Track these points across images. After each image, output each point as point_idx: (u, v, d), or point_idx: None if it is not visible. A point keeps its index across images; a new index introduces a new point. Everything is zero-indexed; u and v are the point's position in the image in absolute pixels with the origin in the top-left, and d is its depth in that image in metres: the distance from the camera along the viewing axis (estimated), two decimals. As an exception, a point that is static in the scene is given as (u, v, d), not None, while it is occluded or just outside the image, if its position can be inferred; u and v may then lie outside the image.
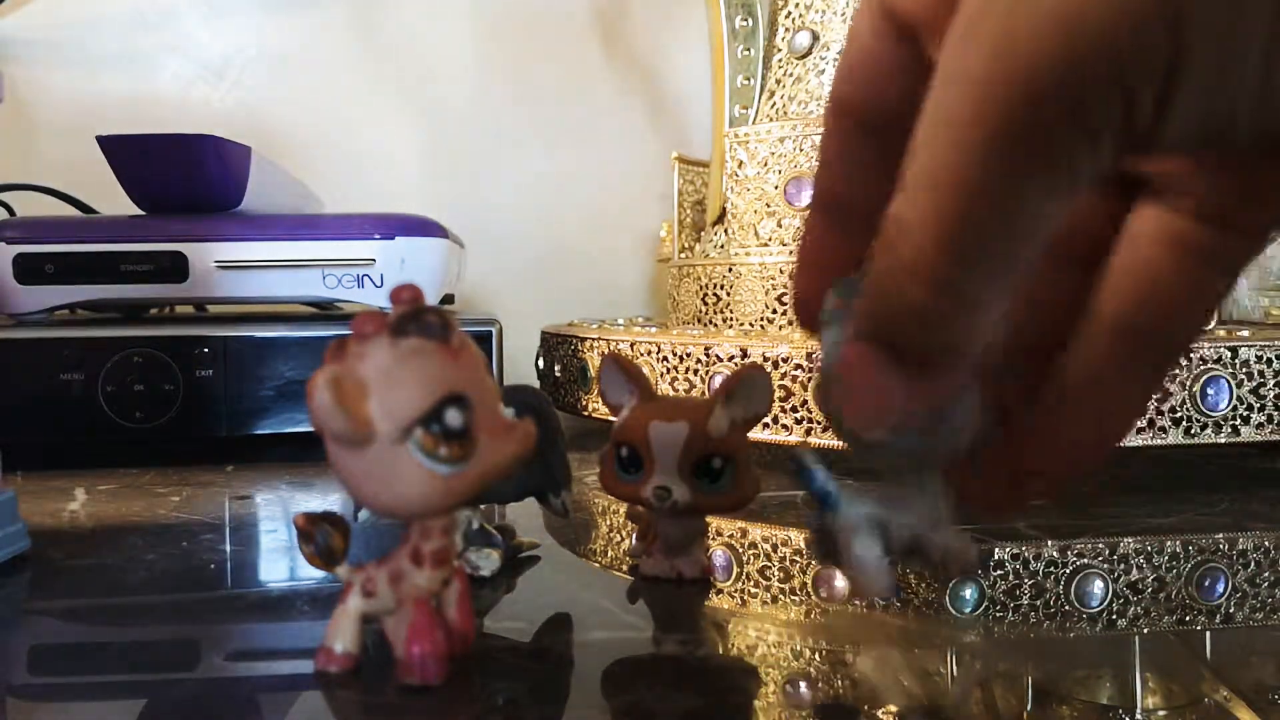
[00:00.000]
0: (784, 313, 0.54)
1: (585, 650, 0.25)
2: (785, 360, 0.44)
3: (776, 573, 0.31)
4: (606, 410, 0.34)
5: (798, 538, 0.35)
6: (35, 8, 0.75)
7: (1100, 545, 0.34)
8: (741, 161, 0.57)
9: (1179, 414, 0.42)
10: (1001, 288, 0.17)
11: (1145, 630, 0.26)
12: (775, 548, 0.34)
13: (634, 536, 0.32)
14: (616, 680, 0.23)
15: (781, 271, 0.54)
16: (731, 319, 0.56)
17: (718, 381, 0.44)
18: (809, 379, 0.43)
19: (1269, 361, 0.43)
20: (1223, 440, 0.42)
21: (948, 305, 0.17)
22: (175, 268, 0.51)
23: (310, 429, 0.21)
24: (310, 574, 0.30)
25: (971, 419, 0.20)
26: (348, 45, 0.79)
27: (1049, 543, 0.34)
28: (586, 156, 0.82)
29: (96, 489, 0.43)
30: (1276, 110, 0.16)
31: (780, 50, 0.59)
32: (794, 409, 0.43)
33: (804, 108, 0.57)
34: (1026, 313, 0.21)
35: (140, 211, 0.55)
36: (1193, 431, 0.42)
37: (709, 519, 0.32)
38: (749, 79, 0.61)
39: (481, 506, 0.31)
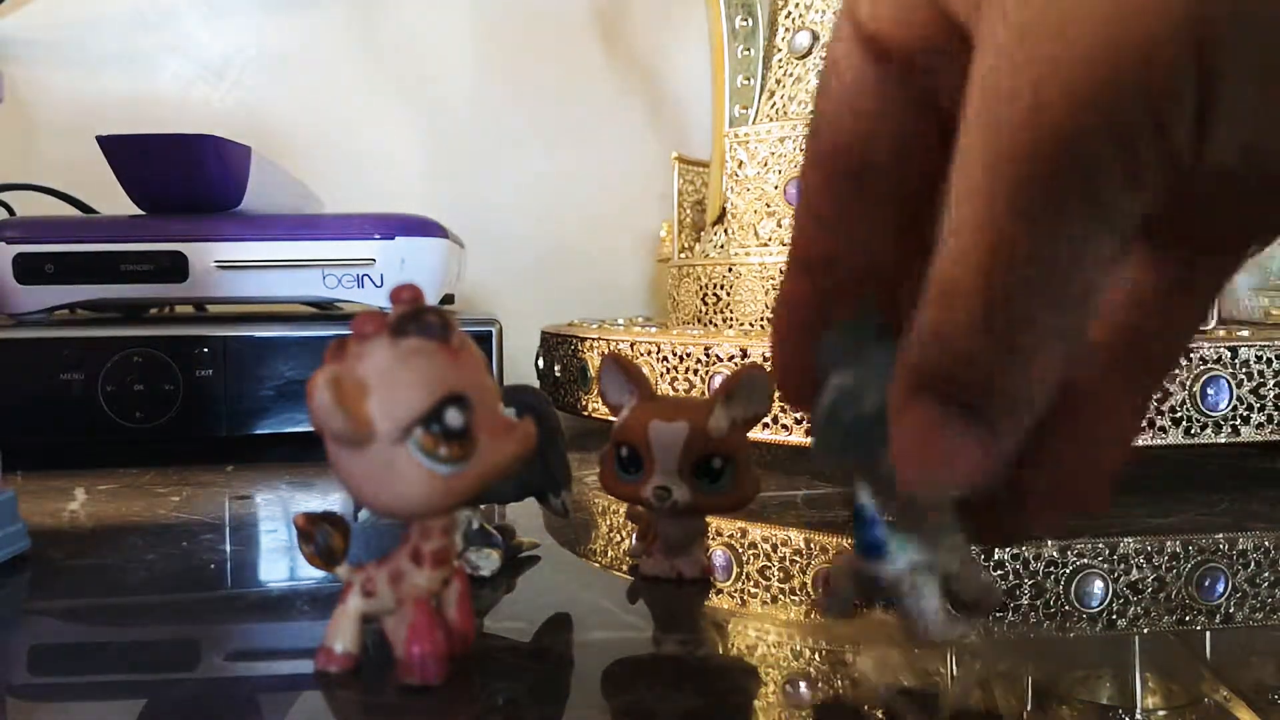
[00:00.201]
0: (784, 313, 0.54)
1: (585, 650, 0.25)
2: (785, 360, 0.44)
3: (776, 573, 0.31)
4: (606, 410, 0.34)
5: (798, 538, 0.35)
6: (35, 8, 0.75)
7: (1100, 545, 0.34)
8: (741, 161, 0.57)
9: (1179, 414, 0.42)
10: (1065, 334, 0.16)
11: (1145, 630, 0.26)
12: (775, 548, 0.34)
13: (634, 536, 0.32)
14: (616, 680, 0.23)
15: (781, 271, 0.54)
16: (731, 319, 0.56)
17: (718, 381, 0.44)
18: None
19: (1269, 361, 0.43)
20: (1223, 440, 0.42)
21: (1012, 363, 0.16)
22: (175, 268, 0.51)
23: (310, 429, 0.21)
24: (310, 574, 0.30)
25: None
26: (348, 45, 0.79)
27: (1049, 543, 0.34)
28: (586, 156, 0.82)
29: (96, 489, 0.43)
30: None
31: (780, 50, 0.59)
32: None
33: (804, 108, 0.57)
34: None
35: (140, 211, 0.55)
36: (1193, 431, 0.42)
37: (709, 519, 0.32)
38: (749, 79, 0.61)
39: (481, 506, 0.31)
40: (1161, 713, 0.21)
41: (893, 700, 0.22)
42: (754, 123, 0.59)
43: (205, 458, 0.50)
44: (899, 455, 0.18)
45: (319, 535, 0.22)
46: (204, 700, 0.22)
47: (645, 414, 0.28)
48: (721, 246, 0.59)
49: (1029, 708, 0.22)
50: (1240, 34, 0.14)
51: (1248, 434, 0.42)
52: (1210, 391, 0.42)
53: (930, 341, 0.17)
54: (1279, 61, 0.14)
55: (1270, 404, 0.43)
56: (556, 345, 0.58)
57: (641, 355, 0.50)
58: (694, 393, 0.48)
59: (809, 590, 0.30)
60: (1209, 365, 0.42)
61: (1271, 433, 0.43)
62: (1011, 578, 0.31)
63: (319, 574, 0.28)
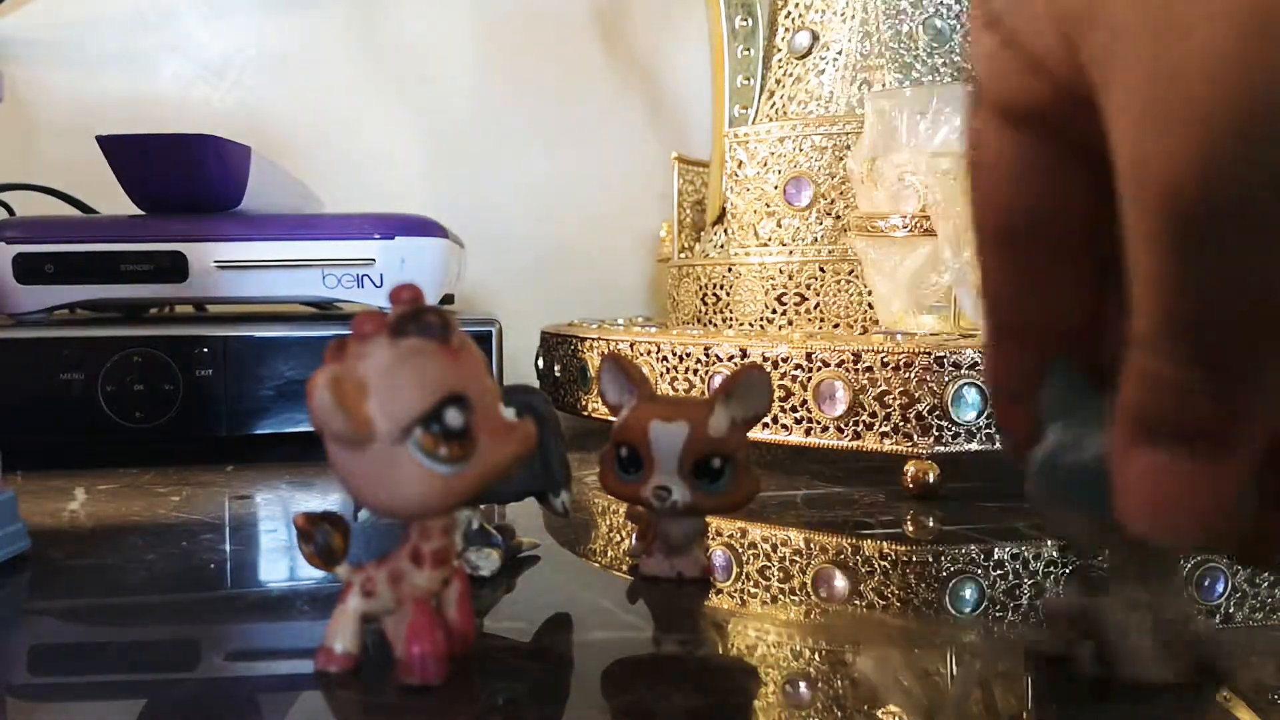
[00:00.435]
0: (783, 312, 0.54)
1: (585, 650, 0.25)
2: (785, 360, 0.44)
3: (776, 573, 0.31)
4: (606, 410, 0.34)
5: (798, 537, 0.35)
6: (35, 8, 0.75)
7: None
8: (741, 161, 0.57)
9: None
10: (1271, 359, 0.17)
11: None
12: (775, 548, 0.34)
13: (634, 536, 0.32)
14: (616, 680, 0.23)
15: (781, 271, 0.54)
16: (731, 319, 0.56)
17: (718, 381, 0.44)
18: (804, 382, 0.43)
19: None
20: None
21: (1227, 399, 0.17)
22: (175, 268, 0.51)
23: (310, 429, 0.21)
24: (310, 574, 0.30)
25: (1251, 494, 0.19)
26: (348, 45, 0.79)
27: (1049, 543, 0.34)
28: (586, 156, 0.82)
29: (96, 489, 0.43)
30: None
31: (780, 50, 0.59)
32: (794, 409, 0.43)
33: (804, 108, 0.57)
34: None
35: (140, 211, 0.55)
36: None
37: (709, 519, 0.32)
38: (749, 79, 0.61)
39: (481, 506, 0.31)
40: (1162, 713, 0.21)
41: (893, 700, 0.22)
42: (754, 123, 0.59)
43: (205, 458, 0.50)
44: (1126, 501, 0.18)
45: (319, 535, 0.22)
46: (204, 700, 0.22)
47: (645, 414, 0.28)
48: (721, 246, 0.59)
49: (1029, 707, 0.22)
50: None
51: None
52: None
53: (1145, 388, 0.17)
54: None
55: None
56: (556, 345, 0.58)
57: (641, 355, 0.50)
58: (694, 393, 0.48)
59: (809, 590, 0.30)
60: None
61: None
62: (1011, 578, 0.31)
63: (319, 574, 0.28)
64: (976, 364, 0.40)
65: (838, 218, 0.53)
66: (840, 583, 0.31)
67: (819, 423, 0.43)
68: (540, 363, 0.61)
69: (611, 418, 0.30)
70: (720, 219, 0.59)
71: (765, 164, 0.56)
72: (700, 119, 0.76)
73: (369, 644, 0.23)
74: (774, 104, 0.59)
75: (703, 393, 0.47)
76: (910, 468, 0.41)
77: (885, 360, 0.41)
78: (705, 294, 0.58)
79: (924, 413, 0.40)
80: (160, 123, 0.65)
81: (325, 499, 0.42)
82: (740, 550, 0.34)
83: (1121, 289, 0.18)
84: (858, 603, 0.29)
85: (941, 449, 0.40)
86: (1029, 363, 0.21)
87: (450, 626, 0.23)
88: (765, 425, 0.44)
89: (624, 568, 0.32)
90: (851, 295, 0.52)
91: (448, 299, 0.60)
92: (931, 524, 0.37)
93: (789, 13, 0.59)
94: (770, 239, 0.55)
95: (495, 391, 0.22)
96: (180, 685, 0.23)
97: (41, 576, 0.31)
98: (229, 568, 0.32)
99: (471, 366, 0.21)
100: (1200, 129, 0.15)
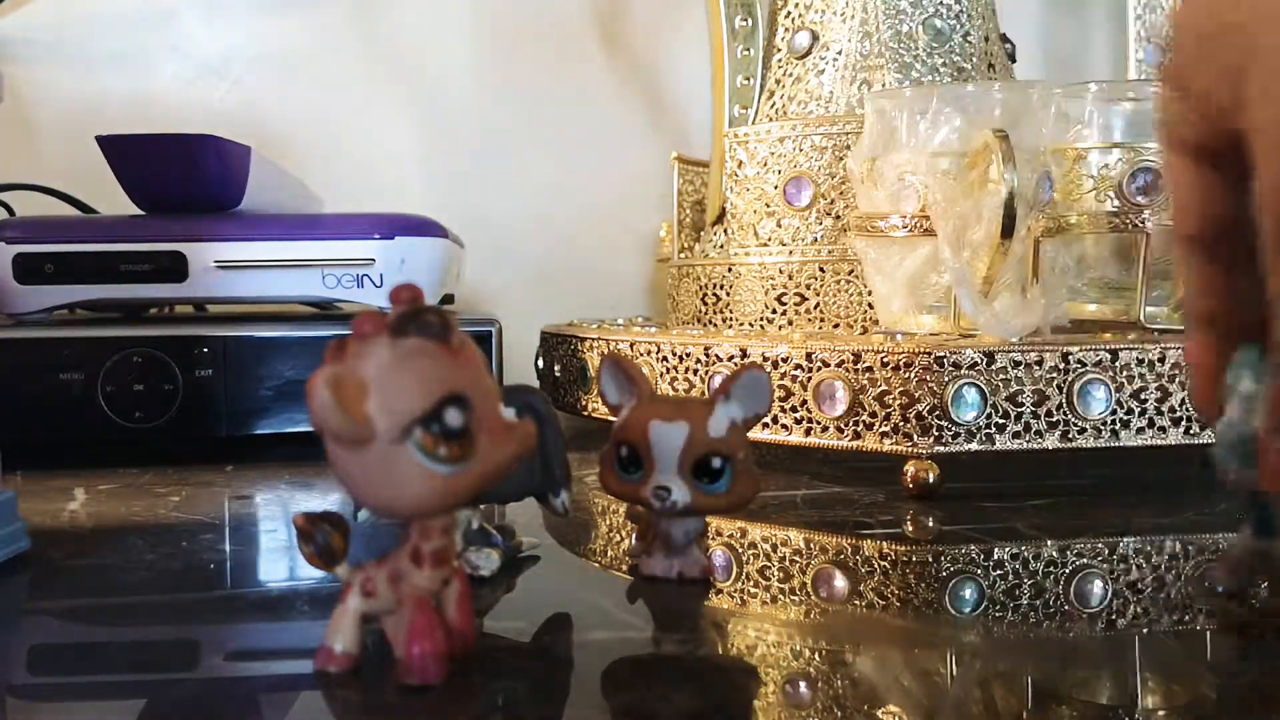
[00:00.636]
0: (783, 312, 0.54)
1: (585, 650, 0.25)
2: (785, 360, 0.44)
3: (776, 573, 0.31)
4: (606, 410, 0.34)
5: (798, 537, 0.35)
6: (35, 8, 0.75)
7: (1100, 545, 0.34)
8: (741, 161, 0.57)
9: (1179, 414, 0.42)
10: None
11: (1145, 630, 0.26)
12: (775, 548, 0.34)
13: (634, 536, 0.32)
14: (616, 680, 0.23)
15: (781, 271, 0.54)
16: (731, 319, 0.56)
17: (718, 381, 0.44)
18: (804, 382, 0.43)
19: (1269, 361, 0.43)
20: (1223, 440, 0.42)
21: None
22: (175, 268, 0.51)
23: (310, 429, 0.21)
24: (310, 574, 0.30)
25: None
26: (348, 45, 0.79)
27: (1049, 542, 0.34)
28: (586, 156, 0.82)
29: (96, 489, 0.43)
30: None
31: (780, 50, 0.59)
32: (794, 409, 0.43)
33: (804, 108, 0.57)
34: None
35: (140, 211, 0.55)
36: (1193, 431, 0.42)
37: (709, 519, 0.32)
38: (749, 79, 0.61)
39: (481, 506, 0.31)
40: (1161, 713, 0.21)
41: (893, 700, 0.22)
42: (754, 123, 0.59)
43: (205, 458, 0.50)
44: (1265, 471, 0.25)
45: (319, 535, 0.22)
46: (204, 700, 0.22)
47: (645, 414, 0.28)
48: (721, 246, 0.59)
49: (1029, 707, 0.22)
50: None
51: (1248, 434, 0.42)
52: (1210, 391, 0.42)
53: None
54: None
55: (1270, 404, 0.43)
56: (556, 345, 0.58)
57: (641, 355, 0.50)
58: (694, 393, 0.48)
59: (809, 590, 0.30)
60: (1209, 365, 0.42)
61: (1271, 433, 0.43)
62: (1011, 578, 0.31)
63: (319, 574, 0.28)
64: (976, 364, 0.40)
65: (838, 218, 0.53)
66: (840, 583, 0.31)
67: (819, 423, 0.43)
68: (540, 363, 0.61)
69: (611, 418, 0.30)
70: (720, 219, 0.59)
71: (765, 164, 0.56)
72: (700, 119, 0.76)
73: (369, 644, 0.23)
74: (774, 104, 0.59)
75: (703, 393, 0.47)
76: (910, 468, 0.41)
77: (885, 360, 0.41)
78: (705, 294, 0.58)
79: (924, 413, 0.40)
80: (160, 123, 0.65)
81: (325, 499, 0.42)
82: (740, 550, 0.34)
83: None
84: (858, 603, 0.29)
85: (941, 449, 0.40)
86: (1218, 346, 0.27)
87: (450, 626, 0.23)
88: (765, 425, 0.44)
89: (624, 568, 0.32)
90: (851, 295, 0.52)
91: (448, 299, 0.60)
92: (931, 524, 0.37)
93: (789, 13, 0.59)
94: (770, 239, 0.55)
95: (495, 391, 0.22)
96: (180, 685, 0.23)
97: (41, 576, 0.31)
98: (229, 568, 0.32)
99: (471, 366, 0.21)
100: None
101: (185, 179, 0.52)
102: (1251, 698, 0.22)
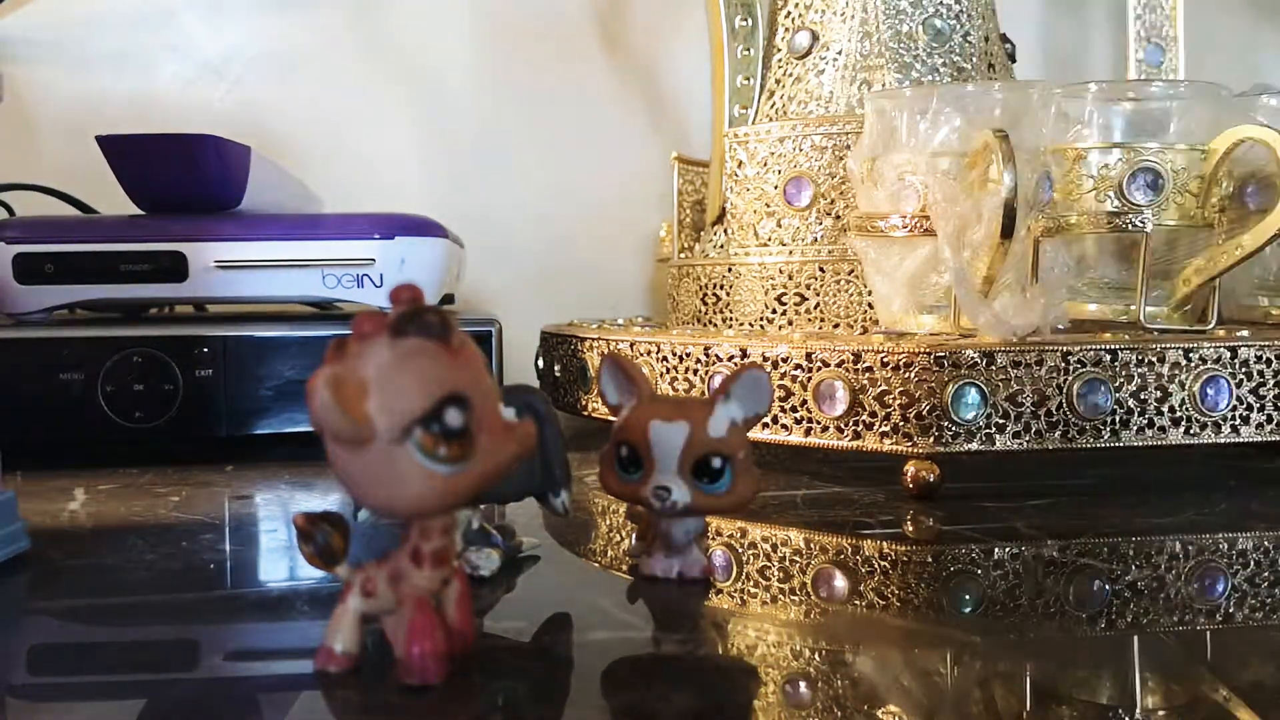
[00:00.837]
0: (783, 312, 0.54)
1: (585, 650, 0.25)
2: (785, 360, 0.44)
3: (776, 573, 0.31)
4: (606, 410, 0.34)
5: (798, 537, 0.35)
6: (35, 8, 0.75)
7: (1100, 545, 0.34)
8: (741, 161, 0.57)
9: (1179, 414, 0.42)
10: None
11: (1145, 630, 0.26)
12: (775, 548, 0.34)
13: (634, 536, 0.32)
14: (616, 680, 0.23)
15: (781, 271, 0.54)
16: (731, 319, 0.56)
17: (718, 381, 0.44)
18: (804, 382, 0.43)
19: (1269, 361, 0.43)
20: (1223, 440, 0.42)
21: None
22: (175, 268, 0.51)
23: (310, 429, 0.21)
24: (310, 574, 0.30)
25: None
26: (348, 45, 0.79)
27: (1049, 542, 0.34)
28: (586, 156, 0.82)
29: (96, 489, 0.43)
30: None
31: (780, 50, 0.59)
32: (794, 409, 0.43)
33: (804, 108, 0.57)
34: None
35: (140, 211, 0.55)
36: (1193, 431, 0.42)
37: (709, 519, 0.32)
38: (749, 79, 0.61)
39: (481, 506, 0.31)
40: (1161, 713, 0.21)
41: (893, 700, 0.22)
42: (754, 123, 0.59)
43: (205, 458, 0.50)
44: None
45: (319, 535, 0.22)
46: (204, 700, 0.22)
47: (645, 414, 0.28)
48: (721, 246, 0.59)
49: (1029, 707, 0.22)
50: None
51: (1248, 434, 0.42)
52: (1210, 391, 0.42)
53: None
54: None
55: (1270, 404, 0.43)
56: (556, 345, 0.58)
57: (641, 355, 0.50)
58: (694, 393, 0.48)
59: (809, 590, 0.30)
60: (1209, 365, 0.42)
61: (1271, 433, 0.43)
62: (1011, 578, 0.31)
63: (319, 574, 0.28)
64: (976, 364, 0.40)
65: (838, 218, 0.53)
66: (840, 583, 0.31)
67: (819, 423, 0.43)
68: (540, 363, 0.61)
69: (611, 418, 0.30)
70: (720, 219, 0.59)
71: (765, 164, 0.56)
72: (700, 119, 0.76)
73: (369, 644, 0.23)
74: (774, 104, 0.59)
75: (703, 393, 0.47)
76: (910, 468, 0.41)
77: (885, 360, 0.41)
78: (705, 294, 0.58)
79: (924, 413, 0.40)
80: (160, 123, 0.65)
81: (325, 499, 0.42)
82: (740, 550, 0.34)
83: None
84: (858, 603, 0.29)
85: (941, 449, 0.40)
86: None
87: (450, 626, 0.23)
88: (765, 425, 0.44)
89: (624, 568, 0.32)
90: (851, 295, 0.52)
91: (448, 299, 0.60)
92: (931, 524, 0.37)
93: (789, 13, 0.59)
94: (770, 239, 0.55)
95: (495, 391, 0.22)
96: (180, 685, 0.23)
97: (41, 576, 0.31)
98: (229, 568, 0.32)
99: (471, 366, 0.21)
100: None
101: (185, 179, 0.52)
102: (1252, 697, 0.22)
